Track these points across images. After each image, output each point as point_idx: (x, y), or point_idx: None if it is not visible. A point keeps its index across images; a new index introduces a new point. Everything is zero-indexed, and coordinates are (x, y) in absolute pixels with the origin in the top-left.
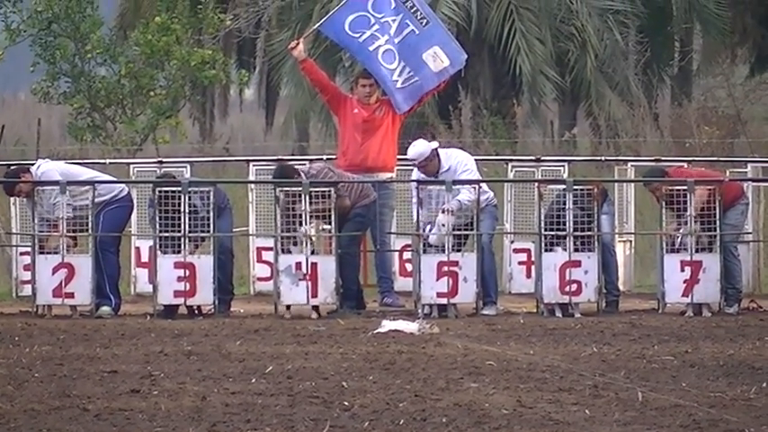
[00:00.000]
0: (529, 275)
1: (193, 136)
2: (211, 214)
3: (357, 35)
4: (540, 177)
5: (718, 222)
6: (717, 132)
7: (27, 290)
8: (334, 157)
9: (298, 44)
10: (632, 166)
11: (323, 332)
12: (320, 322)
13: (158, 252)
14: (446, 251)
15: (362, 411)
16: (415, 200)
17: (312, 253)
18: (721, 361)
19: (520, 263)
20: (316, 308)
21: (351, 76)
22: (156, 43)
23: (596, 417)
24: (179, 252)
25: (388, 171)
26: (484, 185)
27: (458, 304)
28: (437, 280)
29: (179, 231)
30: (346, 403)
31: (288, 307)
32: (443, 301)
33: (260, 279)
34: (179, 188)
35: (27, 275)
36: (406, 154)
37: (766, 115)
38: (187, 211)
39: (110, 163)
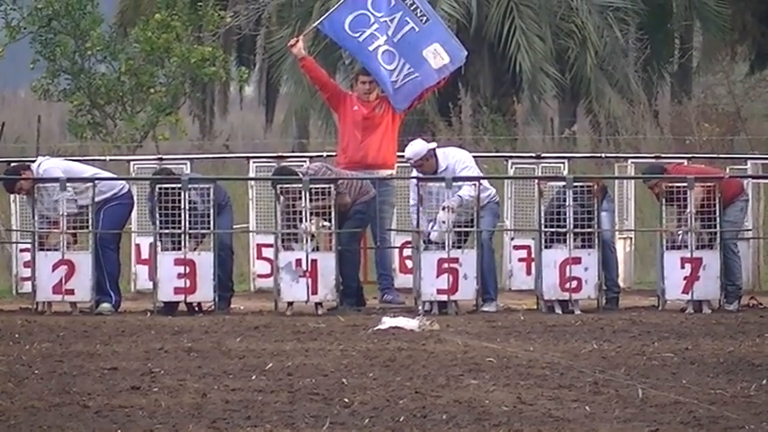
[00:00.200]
0: (529, 272)
1: (193, 133)
2: (211, 211)
3: (357, 34)
4: (540, 174)
5: (718, 219)
6: (717, 129)
7: (27, 287)
8: (334, 154)
9: (297, 42)
10: (632, 163)
11: (323, 329)
12: (320, 319)
13: (158, 249)
14: (446, 248)
15: (362, 408)
16: (413, 200)
17: (313, 250)
18: (721, 358)
19: (520, 260)
20: (319, 304)
21: (351, 74)
22: (156, 40)
23: (596, 413)
24: (179, 249)
25: (389, 168)
26: (486, 182)
27: (458, 301)
28: (437, 277)
29: (179, 228)
30: (346, 400)
31: (290, 304)
32: (443, 297)
33: (260, 276)
34: (179, 185)
35: (27, 272)
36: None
37: (766, 112)
38: (187, 207)
39: (110, 160)
